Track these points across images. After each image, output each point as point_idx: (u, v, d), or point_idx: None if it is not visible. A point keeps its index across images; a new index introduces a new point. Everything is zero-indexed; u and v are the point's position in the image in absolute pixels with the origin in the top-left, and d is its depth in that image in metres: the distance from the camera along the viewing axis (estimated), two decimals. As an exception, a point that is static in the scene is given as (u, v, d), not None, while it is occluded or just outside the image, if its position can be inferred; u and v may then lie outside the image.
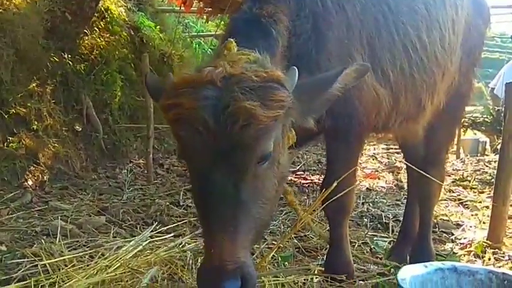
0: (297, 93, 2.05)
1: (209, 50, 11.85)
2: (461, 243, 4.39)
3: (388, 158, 9.51)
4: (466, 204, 5.85)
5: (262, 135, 1.90)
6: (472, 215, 5.39)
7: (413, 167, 3.68)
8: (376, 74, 2.86)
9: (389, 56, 2.93)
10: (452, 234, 4.68)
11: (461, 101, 3.77)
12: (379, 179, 7.46)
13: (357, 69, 2.30)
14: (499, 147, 4.72)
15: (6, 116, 5.40)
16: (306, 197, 5.92)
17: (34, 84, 5.86)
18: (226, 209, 1.88)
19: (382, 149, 10.51)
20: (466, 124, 9.31)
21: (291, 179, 6.82)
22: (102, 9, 7.53)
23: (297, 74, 2.09)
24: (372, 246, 4.08)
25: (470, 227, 4.93)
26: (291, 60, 2.47)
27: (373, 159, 9.51)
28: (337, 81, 2.18)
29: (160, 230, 4.18)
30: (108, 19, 7.67)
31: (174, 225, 4.41)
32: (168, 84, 2.07)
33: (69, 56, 6.51)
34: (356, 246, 4.03)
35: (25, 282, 3.01)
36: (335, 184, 2.61)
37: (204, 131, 1.83)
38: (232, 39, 2.20)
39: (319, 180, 6.70)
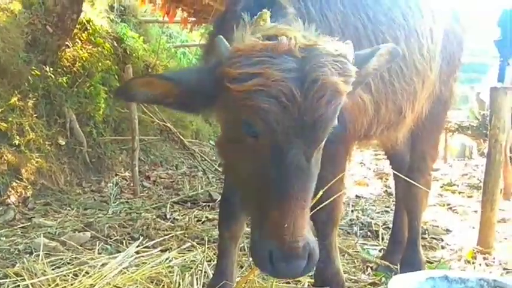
0: None
1: (194, 59, 11.80)
2: (451, 249, 4.37)
3: (376, 164, 9.51)
4: (455, 209, 5.85)
5: (338, 111, 1.93)
6: (462, 220, 5.39)
7: (400, 175, 3.66)
8: None
9: None
10: (442, 240, 4.66)
11: (442, 108, 3.76)
12: (367, 185, 7.44)
13: (389, 51, 2.32)
14: (485, 151, 4.72)
15: (-13, 132, 5.30)
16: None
17: (15, 99, 5.75)
18: (300, 182, 1.87)
19: (370, 155, 10.52)
20: (453, 128, 9.37)
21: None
22: (84, 20, 7.46)
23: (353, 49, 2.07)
24: (363, 255, 4.03)
25: (460, 232, 4.91)
26: None
27: (361, 166, 9.51)
28: (373, 58, 2.22)
29: (146, 244, 4.10)
30: (91, 31, 7.60)
31: (160, 239, 4.33)
32: (228, 50, 1.93)
33: (51, 69, 6.41)
34: (346, 255, 3.98)
35: (6, 304, 2.92)
36: (321, 193, 2.55)
37: (289, 105, 1.80)
38: (266, 10, 2.14)
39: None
